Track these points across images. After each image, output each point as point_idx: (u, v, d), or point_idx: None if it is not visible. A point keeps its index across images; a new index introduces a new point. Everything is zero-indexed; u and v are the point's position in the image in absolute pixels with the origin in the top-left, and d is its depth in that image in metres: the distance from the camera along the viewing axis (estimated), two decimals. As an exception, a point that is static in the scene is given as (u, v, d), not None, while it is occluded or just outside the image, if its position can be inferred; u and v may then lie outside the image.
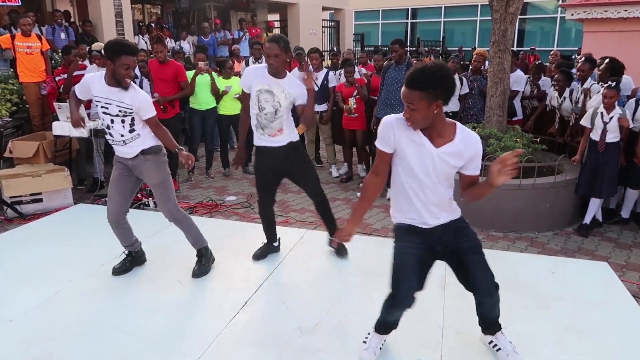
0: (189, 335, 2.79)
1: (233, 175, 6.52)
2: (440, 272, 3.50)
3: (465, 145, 2.15)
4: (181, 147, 3.34)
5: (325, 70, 6.40)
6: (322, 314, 3.00)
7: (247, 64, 6.96)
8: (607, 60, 4.95)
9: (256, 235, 3.87)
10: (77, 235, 4.20)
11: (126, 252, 3.56)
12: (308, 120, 3.51)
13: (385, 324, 2.56)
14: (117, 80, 3.09)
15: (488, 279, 2.35)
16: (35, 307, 3.07)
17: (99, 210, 4.91)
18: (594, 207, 4.52)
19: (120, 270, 3.49)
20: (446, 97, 2.05)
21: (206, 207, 5.25)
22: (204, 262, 3.52)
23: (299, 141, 3.55)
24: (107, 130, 3.27)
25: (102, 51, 5.67)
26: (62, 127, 5.28)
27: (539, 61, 8.00)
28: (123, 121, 3.20)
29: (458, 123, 2.19)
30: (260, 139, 3.46)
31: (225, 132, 6.55)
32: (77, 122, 3.39)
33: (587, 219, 4.55)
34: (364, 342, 2.62)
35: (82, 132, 5.20)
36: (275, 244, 3.83)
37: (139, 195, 5.18)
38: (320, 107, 6.29)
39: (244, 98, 3.47)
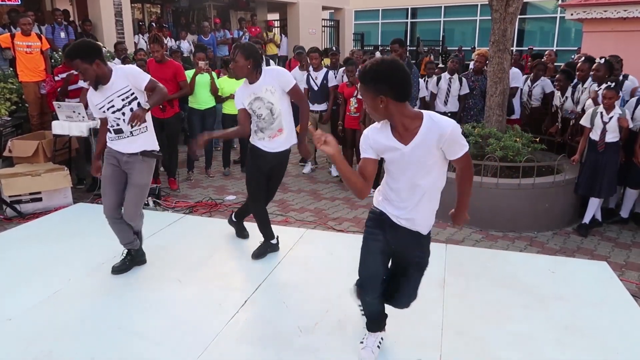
0: (189, 334, 2.79)
1: (233, 175, 6.52)
2: (440, 272, 3.51)
3: (432, 133, 2.07)
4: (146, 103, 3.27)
5: (324, 69, 6.40)
6: (321, 314, 3.00)
7: None
8: (603, 60, 4.94)
9: (256, 235, 3.87)
10: (76, 235, 4.20)
11: (125, 251, 3.56)
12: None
13: (370, 318, 2.59)
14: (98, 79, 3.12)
15: (411, 298, 2.48)
16: (35, 306, 3.07)
17: (98, 210, 4.86)
18: (593, 207, 4.52)
19: (120, 269, 3.49)
20: (392, 93, 2.02)
21: (206, 206, 5.25)
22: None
23: (290, 149, 3.67)
24: (115, 128, 3.24)
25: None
26: (61, 126, 5.28)
27: (543, 59, 7.99)
28: (132, 109, 3.20)
29: (426, 112, 2.13)
30: (259, 142, 3.54)
31: None
32: (94, 170, 3.49)
33: (587, 219, 4.56)
34: (361, 342, 2.63)
35: (82, 132, 5.22)
36: (274, 242, 3.82)
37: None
38: (319, 107, 6.30)
39: (240, 114, 3.51)
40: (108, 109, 3.19)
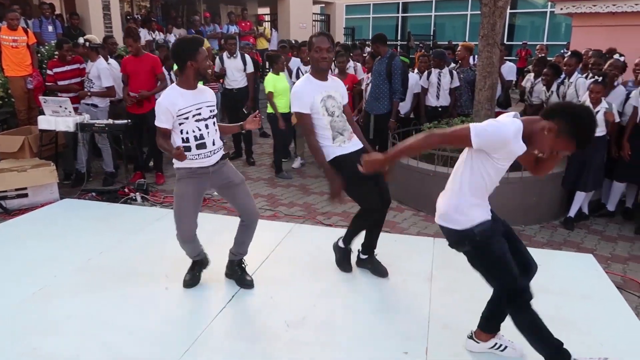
0: (176, 329, 2.78)
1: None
2: (427, 267, 3.53)
3: None
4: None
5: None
6: (309, 308, 3.00)
7: (220, 60, 6.77)
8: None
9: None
10: (63, 231, 4.16)
11: (192, 262, 3.35)
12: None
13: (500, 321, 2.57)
14: (196, 79, 2.92)
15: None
16: (20, 302, 3.04)
17: (85, 206, 4.87)
18: (579, 201, 4.55)
19: (193, 282, 3.28)
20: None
21: (195, 201, 5.21)
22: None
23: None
24: (198, 142, 2.92)
25: (88, 43, 5.64)
26: (47, 121, 5.22)
27: (541, 55, 8.03)
28: (214, 123, 3.03)
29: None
30: (340, 149, 3.09)
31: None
32: (180, 154, 2.80)
33: (572, 212, 4.59)
34: (504, 348, 2.58)
35: (68, 127, 5.17)
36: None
37: (126, 190, 5.15)
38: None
39: (307, 122, 3.04)
40: (192, 115, 2.90)
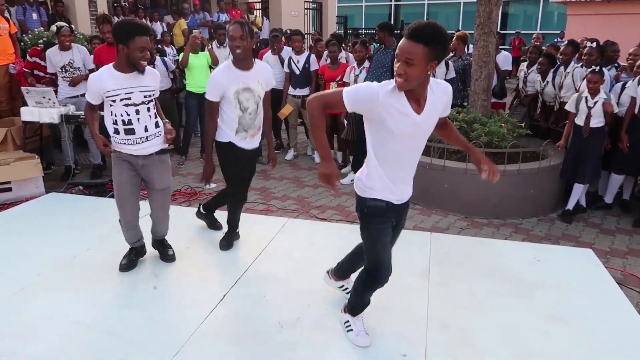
0: (164, 331, 2.67)
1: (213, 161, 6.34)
2: (425, 263, 3.44)
3: (437, 96, 2.13)
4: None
5: (307, 52, 6.23)
6: (303, 308, 2.89)
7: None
8: (595, 44, 4.87)
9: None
10: (48, 227, 4.01)
11: (130, 247, 3.37)
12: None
13: (363, 306, 2.58)
14: (129, 65, 2.84)
15: None
16: (0, 302, 2.90)
17: (72, 200, 4.72)
18: (577, 193, 4.48)
19: (129, 267, 3.30)
20: (440, 59, 2.00)
21: (185, 195, 5.08)
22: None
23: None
24: (125, 128, 2.90)
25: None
26: (31, 113, 5.04)
27: (537, 43, 7.92)
28: (149, 109, 2.97)
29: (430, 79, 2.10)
30: (240, 142, 3.30)
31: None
32: (101, 146, 2.96)
33: (570, 205, 4.52)
34: (350, 330, 2.59)
35: (53, 118, 5.00)
36: (238, 231, 3.76)
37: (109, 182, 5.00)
38: (302, 92, 6.13)
39: (211, 108, 3.20)
40: (120, 99, 2.86)
